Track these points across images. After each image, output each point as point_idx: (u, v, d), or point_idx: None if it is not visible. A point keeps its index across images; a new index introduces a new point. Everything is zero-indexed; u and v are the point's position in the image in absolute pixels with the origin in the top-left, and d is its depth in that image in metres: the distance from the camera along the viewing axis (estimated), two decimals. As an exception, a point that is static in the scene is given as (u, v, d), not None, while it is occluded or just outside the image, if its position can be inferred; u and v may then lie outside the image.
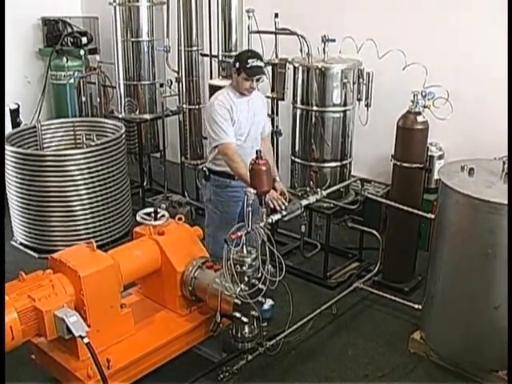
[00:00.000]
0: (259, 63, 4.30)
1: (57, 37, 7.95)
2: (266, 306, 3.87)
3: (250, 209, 3.68)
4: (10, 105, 7.16)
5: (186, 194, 6.87)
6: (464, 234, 3.89)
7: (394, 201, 4.90)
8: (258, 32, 5.65)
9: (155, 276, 4.15)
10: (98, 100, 7.07)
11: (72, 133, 6.54)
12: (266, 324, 3.88)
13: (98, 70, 7.09)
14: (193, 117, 6.38)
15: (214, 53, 6.08)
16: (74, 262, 3.66)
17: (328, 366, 4.29)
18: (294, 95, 5.31)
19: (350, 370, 4.24)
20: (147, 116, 6.85)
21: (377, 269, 5.26)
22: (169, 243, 4.09)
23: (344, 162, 5.36)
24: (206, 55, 6.26)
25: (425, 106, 4.75)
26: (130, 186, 6.31)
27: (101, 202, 5.75)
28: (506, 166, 3.93)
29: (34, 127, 6.32)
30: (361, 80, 5.15)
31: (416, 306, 4.60)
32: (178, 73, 6.35)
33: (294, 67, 5.24)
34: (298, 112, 5.29)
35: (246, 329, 3.86)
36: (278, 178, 4.62)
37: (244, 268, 3.73)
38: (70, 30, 8.01)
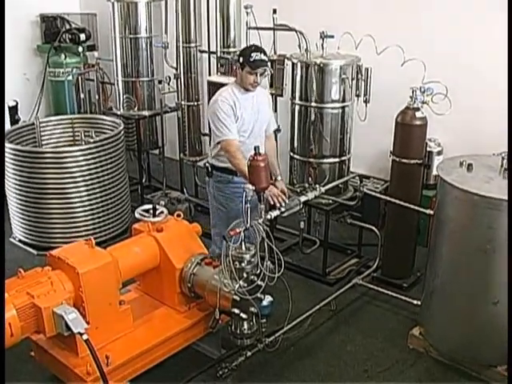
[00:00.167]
0: (263, 57, 4.30)
1: (55, 33, 7.93)
2: (264, 303, 3.88)
3: (248, 205, 3.69)
4: (8, 102, 7.14)
5: (184, 190, 6.87)
6: (463, 229, 3.88)
7: (393, 197, 4.91)
8: (257, 28, 5.65)
9: (154, 273, 4.16)
10: (97, 97, 7.05)
11: (70, 130, 6.53)
12: (264, 320, 3.89)
13: (97, 66, 7.08)
14: (191, 113, 6.38)
15: (213, 49, 6.08)
16: (72, 258, 3.66)
17: (327, 362, 4.29)
18: (293, 91, 5.30)
19: (349, 366, 4.24)
20: (146, 113, 6.84)
21: (376, 265, 5.26)
22: (167, 240, 4.09)
23: (343, 158, 5.35)
24: (205, 51, 6.25)
25: (423, 102, 4.75)
26: (128, 183, 6.30)
27: (99, 198, 5.75)
28: (504, 161, 3.93)
29: (33, 124, 6.30)
30: (359, 76, 5.14)
31: (415, 302, 4.60)
32: (176, 69, 6.35)
33: (293, 63, 5.23)
34: (297, 108, 5.28)
35: (245, 325, 3.86)
36: (279, 177, 4.63)
37: (243, 264, 3.74)
38: (68, 26, 7.98)
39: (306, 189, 5.03)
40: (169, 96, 6.70)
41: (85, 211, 5.69)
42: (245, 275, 3.74)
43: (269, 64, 4.46)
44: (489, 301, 3.85)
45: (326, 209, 5.19)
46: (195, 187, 6.87)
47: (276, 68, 5.45)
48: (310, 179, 5.24)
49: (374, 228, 5.27)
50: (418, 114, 4.78)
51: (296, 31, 5.22)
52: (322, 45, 5.12)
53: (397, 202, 4.80)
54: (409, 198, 4.80)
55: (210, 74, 6.23)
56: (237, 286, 3.71)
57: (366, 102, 5.19)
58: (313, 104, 5.13)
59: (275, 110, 5.68)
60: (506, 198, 3.57)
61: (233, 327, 3.89)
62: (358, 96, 5.22)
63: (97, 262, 3.70)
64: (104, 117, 6.64)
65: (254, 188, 3.77)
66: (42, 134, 6.34)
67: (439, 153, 5.72)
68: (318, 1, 6.28)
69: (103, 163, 5.70)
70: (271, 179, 4.31)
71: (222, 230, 4.48)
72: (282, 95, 5.55)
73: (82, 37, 7.85)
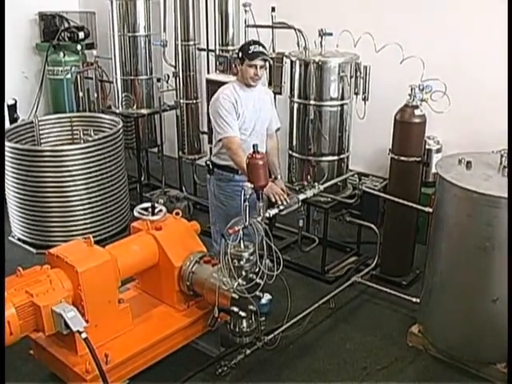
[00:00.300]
0: (261, 49, 4.28)
1: (54, 32, 7.93)
2: (263, 301, 3.89)
3: (247, 203, 3.68)
4: (7, 100, 7.12)
5: (183, 188, 6.86)
6: (462, 227, 3.88)
7: (392, 195, 4.90)
8: (255, 26, 5.64)
9: (153, 271, 4.16)
10: (96, 95, 7.05)
11: (69, 128, 6.53)
12: (263, 318, 3.90)
13: (95, 64, 7.08)
14: (190, 111, 6.38)
15: (211, 47, 6.08)
16: (71, 257, 3.66)
17: (326, 359, 4.29)
18: (292, 89, 5.29)
19: (348, 364, 4.24)
20: (144, 111, 6.83)
21: (375, 263, 5.27)
22: (166, 238, 4.09)
23: (341, 156, 5.34)
24: (203, 49, 6.25)
25: (422, 100, 4.74)
26: (127, 181, 6.30)
27: (98, 197, 5.74)
28: (503, 159, 3.93)
29: (32, 122, 6.30)
30: (358, 74, 5.12)
31: (414, 300, 4.60)
32: (175, 67, 6.34)
33: (291, 61, 5.22)
34: (296, 106, 5.28)
35: (244, 323, 3.87)
36: (279, 176, 4.63)
37: (241, 262, 3.74)
38: (66, 24, 7.97)
39: (305, 187, 5.03)
40: (167, 94, 6.69)
41: (84, 210, 5.69)
42: (244, 273, 3.74)
43: (268, 57, 4.44)
44: (488, 298, 3.85)
45: (325, 207, 5.19)
46: (194, 185, 6.87)
47: (275, 66, 5.44)
48: (308, 177, 5.24)
49: (372, 226, 5.28)
50: (417, 112, 4.78)
51: (295, 29, 5.22)
52: (321, 43, 5.11)
53: (396, 199, 4.79)
54: (408, 195, 4.79)
55: (208, 72, 6.23)
56: (236, 284, 3.71)
57: (364, 99, 5.18)
58: (311, 102, 5.12)
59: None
60: (504, 195, 3.57)
61: (232, 325, 3.90)
62: (356, 94, 5.21)
63: (96, 261, 3.70)
64: (103, 115, 6.64)
65: (252, 186, 3.76)
66: (41, 132, 6.33)
67: (438, 150, 5.72)
68: (316, -1, 6.28)
69: (102, 162, 5.70)
70: (271, 178, 4.31)
71: (221, 227, 4.48)
72: (280, 93, 5.54)
73: (81, 35, 7.85)
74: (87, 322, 3.51)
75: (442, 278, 4.10)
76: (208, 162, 4.60)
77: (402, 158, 4.88)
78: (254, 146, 3.83)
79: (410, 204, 4.71)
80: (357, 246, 5.72)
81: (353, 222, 5.49)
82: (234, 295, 3.74)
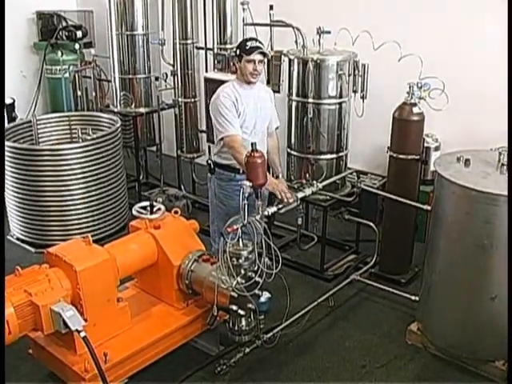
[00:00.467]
0: (258, 44, 4.27)
1: (52, 31, 7.93)
2: (262, 299, 3.88)
3: (246, 202, 3.68)
4: (5, 99, 7.13)
5: (182, 187, 6.86)
6: (460, 224, 3.88)
7: (391, 193, 4.90)
8: (253, 24, 5.64)
9: (152, 270, 4.15)
10: (94, 94, 7.05)
11: (68, 127, 6.52)
12: (262, 317, 3.89)
13: (93, 63, 7.08)
14: (188, 110, 6.38)
15: (209, 46, 6.07)
16: (70, 256, 3.66)
17: (325, 357, 4.29)
18: (290, 87, 5.29)
19: (347, 362, 4.24)
20: (143, 110, 6.83)
21: (373, 261, 5.27)
22: (165, 237, 4.09)
23: (340, 154, 5.35)
24: (201, 48, 6.25)
25: (420, 98, 4.73)
26: (126, 180, 6.30)
27: (97, 196, 5.74)
28: (501, 156, 3.92)
29: (30, 122, 6.30)
30: (356, 72, 5.13)
31: (413, 298, 4.61)
32: (173, 66, 6.34)
33: (290, 59, 5.22)
34: (294, 104, 5.28)
35: (243, 322, 3.86)
36: (280, 175, 4.63)
37: (240, 261, 3.73)
38: (64, 23, 7.97)
39: (304, 185, 5.03)
40: (166, 93, 6.67)
41: (82, 208, 5.69)
42: (242, 272, 3.74)
43: (266, 51, 4.43)
44: (487, 296, 3.85)
45: (324, 205, 5.19)
46: (193, 184, 6.87)
47: (273, 64, 5.43)
48: (307, 175, 5.24)
49: (371, 224, 5.28)
50: (415, 110, 4.78)
51: (293, 27, 5.21)
52: (319, 41, 5.11)
53: (394, 197, 4.79)
54: (406, 193, 4.80)
55: (206, 71, 6.23)
56: (234, 282, 3.71)
57: (363, 97, 5.19)
58: (310, 100, 5.12)
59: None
60: (502, 193, 3.57)
61: (231, 324, 3.89)
62: (355, 92, 5.22)
63: (94, 260, 3.70)
64: (101, 114, 6.64)
65: (251, 184, 3.76)
66: (39, 131, 6.34)
67: (436, 148, 5.71)
68: (314, -3, 6.28)
69: (100, 160, 5.69)
70: (272, 177, 4.32)
71: (220, 226, 4.48)
72: (278, 91, 5.53)
73: (79, 34, 7.85)
74: (86, 320, 3.51)
75: (440, 275, 4.11)
76: (209, 162, 4.58)
77: (401, 156, 4.88)
78: (252, 144, 3.82)
79: (409, 202, 4.71)
80: (356, 244, 5.72)
81: (351, 220, 5.49)
82: (232, 293, 3.73)
